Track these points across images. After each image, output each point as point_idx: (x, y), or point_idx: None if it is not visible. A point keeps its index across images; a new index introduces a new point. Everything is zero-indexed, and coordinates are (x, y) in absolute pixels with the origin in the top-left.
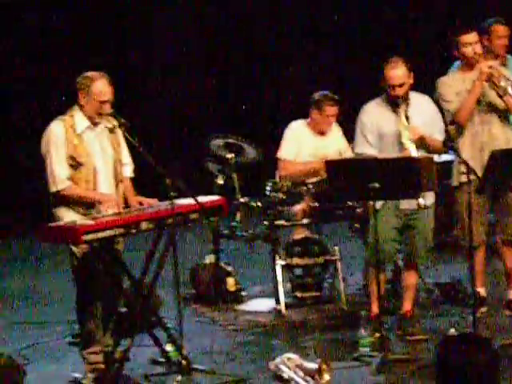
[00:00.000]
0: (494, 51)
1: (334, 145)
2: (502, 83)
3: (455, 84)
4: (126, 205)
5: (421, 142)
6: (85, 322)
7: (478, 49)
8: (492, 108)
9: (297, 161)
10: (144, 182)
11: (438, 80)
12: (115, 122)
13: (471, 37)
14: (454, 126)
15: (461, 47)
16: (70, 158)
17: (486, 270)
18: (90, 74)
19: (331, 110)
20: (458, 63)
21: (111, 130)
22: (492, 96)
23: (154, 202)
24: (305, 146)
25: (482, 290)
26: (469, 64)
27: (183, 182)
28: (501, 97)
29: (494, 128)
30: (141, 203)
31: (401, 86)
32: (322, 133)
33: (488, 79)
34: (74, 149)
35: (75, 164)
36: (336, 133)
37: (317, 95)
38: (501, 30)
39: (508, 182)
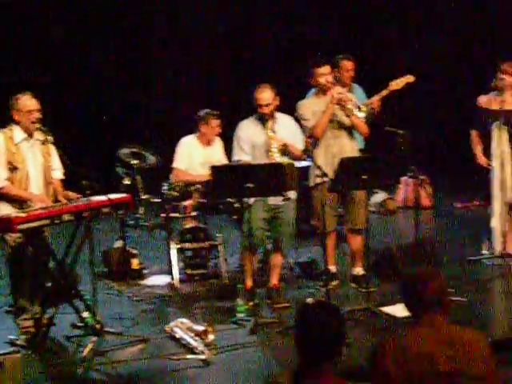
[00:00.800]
0: (342, 81)
1: (219, 154)
2: (349, 106)
3: (312, 106)
4: (57, 201)
5: (285, 151)
6: (17, 295)
7: (330, 79)
8: (341, 125)
9: (189, 168)
10: (70, 183)
11: (298, 103)
12: (46, 136)
13: (325, 69)
14: (311, 140)
15: (316, 77)
16: (8, 163)
17: (336, 252)
18: (17, 95)
19: (215, 122)
20: (313, 90)
21: (42, 142)
22: (341, 116)
23: (78, 196)
24: (195, 155)
25: (333, 268)
26: (322, 90)
27: (97, 183)
28: (348, 116)
29: (343, 141)
30: (68, 197)
31: (267, 105)
32: (209, 143)
33: (338, 103)
34: (12, 156)
35: (12, 168)
36: (219, 144)
37: (202, 112)
38: (348, 64)
39: (353, 182)
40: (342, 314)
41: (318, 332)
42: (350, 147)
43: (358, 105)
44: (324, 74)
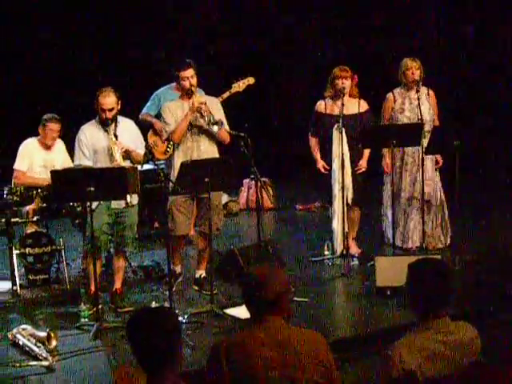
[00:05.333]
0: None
1: (60, 158)
2: (206, 117)
3: (175, 110)
4: None
5: (127, 155)
6: None
7: (194, 82)
8: (201, 131)
9: (30, 171)
10: None
11: (163, 105)
12: None
13: (188, 72)
14: (170, 142)
15: (180, 80)
16: None
17: (182, 255)
18: None
19: (54, 126)
20: (169, 85)
21: None
22: (202, 123)
23: None
24: (36, 158)
25: (177, 268)
26: (186, 93)
27: None
28: (208, 124)
29: (203, 145)
30: None
31: (111, 110)
32: (48, 147)
33: (198, 111)
34: None
35: None
36: (61, 147)
37: (45, 116)
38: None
39: (195, 185)
40: (186, 317)
41: (149, 340)
42: (210, 151)
43: (215, 119)
44: (187, 76)
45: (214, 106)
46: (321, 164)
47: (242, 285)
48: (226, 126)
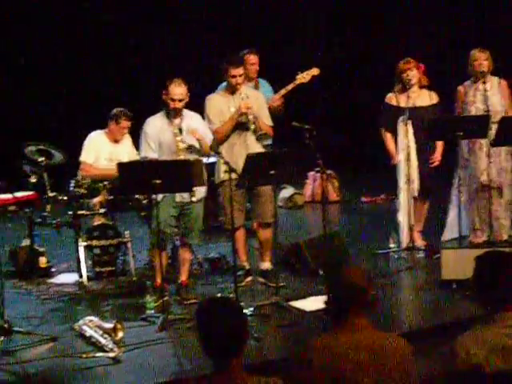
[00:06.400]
0: (248, 75)
1: (126, 151)
2: (250, 117)
3: (218, 104)
4: None
5: (192, 148)
6: None
7: (240, 81)
8: (246, 128)
9: (96, 163)
10: None
11: (207, 97)
12: None
13: (237, 71)
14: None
15: (228, 75)
16: None
17: (246, 248)
18: None
19: (126, 123)
20: (224, 84)
21: None
22: (247, 119)
23: None
24: (102, 151)
25: (246, 264)
26: (232, 88)
27: (3, 180)
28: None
29: (249, 140)
30: None
31: (180, 100)
32: (116, 141)
33: (244, 114)
34: None
35: None
36: (127, 141)
37: (115, 110)
38: (251, 58)
39: (260, 178)
40: (241, 308)
41: (215, 327)
42: (256, 145)
43: (261, 133)
44: (235, 75)
45: (260, 102)
46: (396, 157)
47: (336, 288)
48: (269, 120)
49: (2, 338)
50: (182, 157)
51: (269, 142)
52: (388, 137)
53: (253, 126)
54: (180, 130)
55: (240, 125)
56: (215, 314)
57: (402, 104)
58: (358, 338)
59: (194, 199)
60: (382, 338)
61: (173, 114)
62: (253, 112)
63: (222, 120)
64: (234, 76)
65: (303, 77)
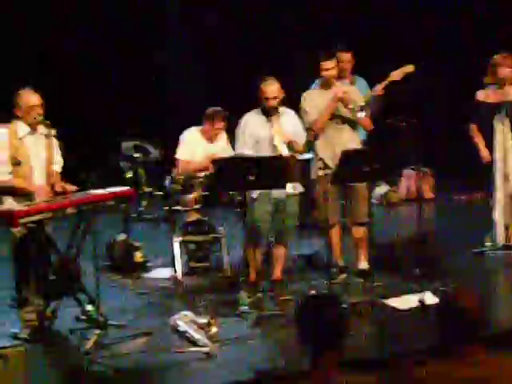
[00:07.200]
0: (341, 73)
1: (221, 150)
2: (351, 105)
3: (315, 98)
4: (57, 193)
5: (288, 145)
6: (21, 288)
7: (334, 73)
8: (343, 120)
9: (191, 161)
10: (69, 176)
11: (303, 94)
12: (49, 130)
13: (329, 63)
14: (312, 132)
15: (321, 70)
16: (12, 157)
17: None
18: (19, 90)
19: (220, 124)
20: (317, 81)
21: (46, 136)
22: (344, 112)
23: (73, 188)
24: (197, 149)
25: (340, 262)
26: (327, 83)
27: (99, 176)
28: (352, 112)
29: (345, 134)
30: (65, 190)
31: (274, 98)
32: (211, 140)
33: (341, 100)
34: (16, 150)
35: (16, 163)
36: (223, 139)
37: (210, 110)
38: (344, 56)
39: (355, 175)
40: (342, 306)
41: (319, 324)
42: (352, 140)
43: (360, 105)
44: (328, 68)
45: (355, 94)
46: (484, 153)
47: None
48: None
49: (98, 332)
50: (278, 153)
51: (363, 137)
52: (478, 134)
53: (351, 105)
54: (278, 126)
55: (336, 116)
56: (316, 308)
57: (495, 100)
58: (474, 369)
59: (291, 191)
60: (499, 366)
61: (269, 111)
62: (349, 96)
63: (317, 112)
64: (327, 69)
65: (397, 73)
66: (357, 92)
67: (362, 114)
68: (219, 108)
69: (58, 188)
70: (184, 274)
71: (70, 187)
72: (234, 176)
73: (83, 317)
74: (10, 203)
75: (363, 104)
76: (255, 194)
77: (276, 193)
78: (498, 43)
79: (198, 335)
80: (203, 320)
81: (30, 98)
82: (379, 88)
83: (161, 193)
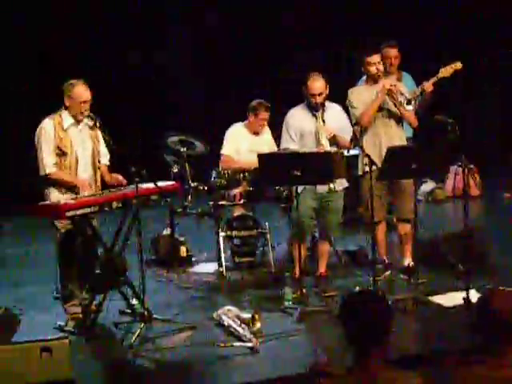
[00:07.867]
0: (387, 69)
1: (266, 143)
2: (399, 98)
3: (361, 94)
4: (104, 187)
5: (333, 140)
6: (66, 281)
7: (381, 67)
8: (390, 115)
9: (237, 156)
10: (116, 169)
11: (349, 90)
12: (94, 121)
13: (375, 58)
14: (358, 127)
15: (366, 66)
16: (56, 148)
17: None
18: (72, 80)
19: (265, 114)
20: (364, 77)
21: (91, 128)
22: (391, 105)
23: (124, 180)
24: (243, 143)
25: (385, 258)
26: (373, 79)
27: (146, 170)
28: (400, 105)
29: (392, 130)
30: (118, 180)
31: (320, 94)
32: (256, 133)
33: (388, 94)
34: (61, 141)
35: (61, 153)
36: (267, 133)
37: (254, 102)
38: (390, 51)
39: (401, 171)
40: (387, 302)
41: (365, 320)
42: (399, 136)
43: (408, 98)
44: (373, 63)
45: (403, 89)
46: None
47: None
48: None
49: (142, 325)
50: (323, 148)
51: (409, 134)
52: None
53: (401, 98)
54: (323, 121)
55: (384, 109)
56: (361, 305)
57: None
58: None
59: (336, 187)
60: None
61: (315, 106)
62: (397, 89)
63: (364, 107)
64: (373, 63)
65: (446, 70)
66: (404, 87)
67: (409, 107)
68: (262, 100)
69: (110, 179)
70: (229, 269)
71: (123, 179)
72: (279, 171)
73: (128, 310)
74: (56, 196)
75: (411, 97)
76: (300, 189)
77: (320, 188)
78: None
79: (242, 330)
80: (247, 315)
81: (84, 94)
82: (428, 84)
83: (206, 188)
